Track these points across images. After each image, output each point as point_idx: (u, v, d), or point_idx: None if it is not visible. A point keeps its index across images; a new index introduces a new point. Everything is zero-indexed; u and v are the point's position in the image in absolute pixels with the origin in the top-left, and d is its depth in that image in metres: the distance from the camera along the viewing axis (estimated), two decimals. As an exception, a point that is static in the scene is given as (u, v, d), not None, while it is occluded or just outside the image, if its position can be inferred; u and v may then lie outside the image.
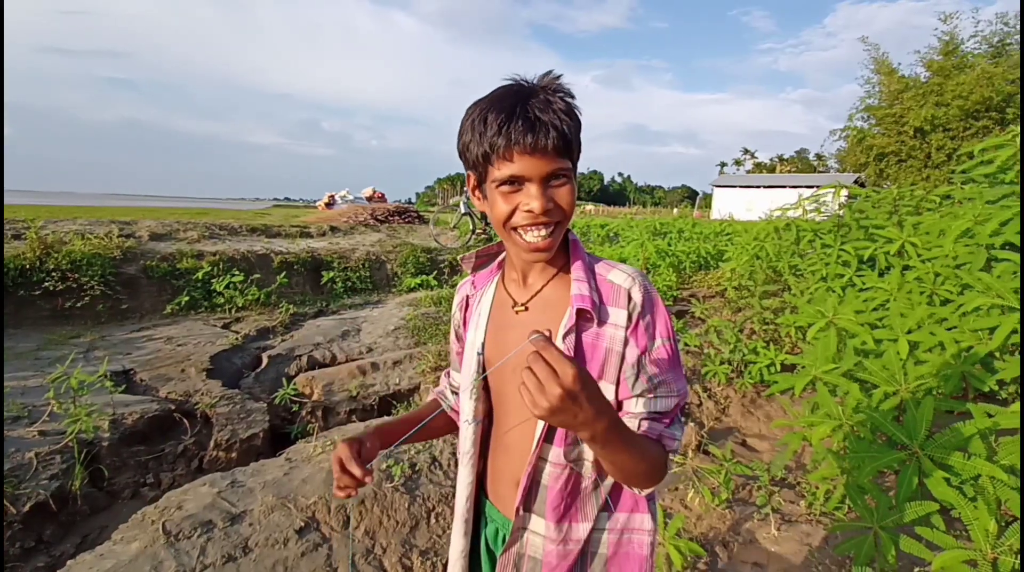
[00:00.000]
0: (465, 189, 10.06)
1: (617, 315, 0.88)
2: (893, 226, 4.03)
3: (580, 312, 0.88)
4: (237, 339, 5.33)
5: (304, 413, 4.16)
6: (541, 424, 0.90)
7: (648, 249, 5.48)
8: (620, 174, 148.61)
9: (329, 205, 14.54)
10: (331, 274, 7.46)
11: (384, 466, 2.88)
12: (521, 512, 0.93)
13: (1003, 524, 1.52)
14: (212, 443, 3.54)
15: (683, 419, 0.92)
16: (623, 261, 5.96)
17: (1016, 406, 2.40)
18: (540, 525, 0.92)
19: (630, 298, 0.88)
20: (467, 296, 1.09)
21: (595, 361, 0.88)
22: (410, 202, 27.00)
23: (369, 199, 15.23)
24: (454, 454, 3.08)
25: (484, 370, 0.98)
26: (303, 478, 2.70)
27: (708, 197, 43.53)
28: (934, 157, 13.63)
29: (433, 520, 2.64)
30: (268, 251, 7.31)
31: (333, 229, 9.75)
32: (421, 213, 13.16)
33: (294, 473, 2.78)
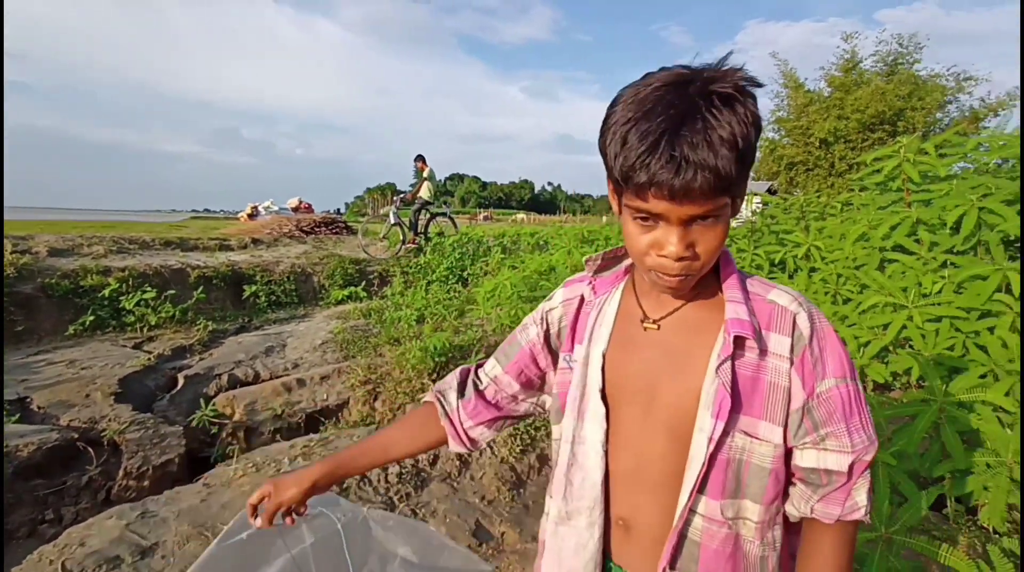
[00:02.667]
0: (395, 198, 9.97)
1: (780, 344, 0.74)
2: (800, 231, 4.38)
3: (738, 340, 0.74)
4: (150, 360, 5.02)
5: (224, 435, 3.98)
6: (696, 468, 0.73)
7: (575, 257, 5.65)
8: (551, 183, 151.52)
9: (252, 216, 13.93)
10: (253, 288, 7.17)
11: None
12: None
13: (896, 505, 1.70)
14: (121, 472, 3.32)
15: (869, 475, 0.76)
16: (552, 269, 6.15)
17: (910, 394, 2.68)
18: None
19: (795, 325, 0.74)
20: (583, 296, 0.91)
21: (757, 398, 0.74)
22: (339, 212, 26.32)
23: (295, 210, 14.72)
24: (384, 469, 3.06)
25: (604, 389, 0.82)
26: (222, 504, 2.60)
27: (635, 205, 44.92)
28: (837, 166, 14.82)
29: (361, 537, 2.61)
30: (184, 265, 6.93)
31: (255, 241, 9.36)
32: (350, 224, 12.88)
33: (212, 499, 2.67)
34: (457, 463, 3.17)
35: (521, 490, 3.05)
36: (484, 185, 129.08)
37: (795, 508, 0.78)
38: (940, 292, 2.69)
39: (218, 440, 3.95)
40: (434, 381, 4.37)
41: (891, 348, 2.70)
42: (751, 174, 0.75)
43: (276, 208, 14.68)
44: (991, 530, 1.91)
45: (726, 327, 0.74)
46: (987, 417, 1.89)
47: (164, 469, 3.42)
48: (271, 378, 4.84)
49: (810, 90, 16.04)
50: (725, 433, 0.73)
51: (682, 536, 0.76)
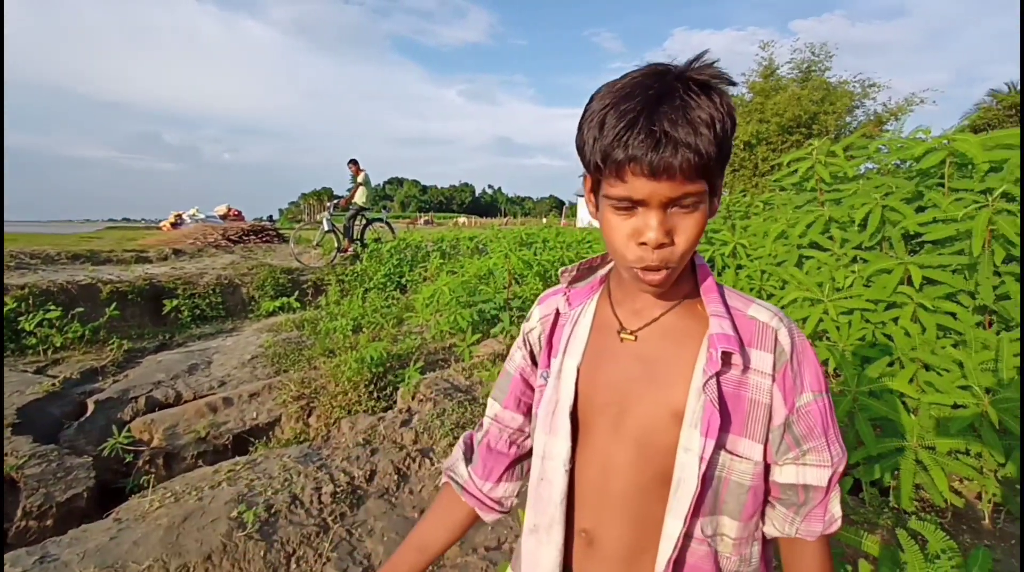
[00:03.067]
0: (328, 205, 9.66)
1: (762, 360, 0.73)
2: (727, 230, 4.56)
3: (724, 355, 0.71)
4: (54, 385, 4.60)
5: (141, 463, 3.71)
6: (688, 490, 0.71)
7: (512, 260, 5.65)
8: (491, 186, 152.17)
9: (176, 225, 13.16)
10: (175, 302, 6.73)
11: (235, 513, 2.65)
12: None
13: None
14: (19, 512, 3.01)
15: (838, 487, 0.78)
16: (490, 273, 6.13)
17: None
18: None
19: (776, 341, 0.73)
20: (558, 310, 0.88)
21: (738, 415, 0.72)
22: (272, 219, 25.30)
23: (224, 217, 14.02)
24: (317, 489, 2.93)
25: (577, 402, 0.80)
26: (134, 540, 2.40)
27: (574, 207, 46.03)
28: (760, 167, 15.63)
29: (293, 565, 2.48)
30: (95, 280, 6.42)
31: (177, 252, 8.83)
32: (282, 231, 12.39)
33: (123, 536, 2.46)
34: (395, 478, 3.07)
35: (461, 501, 2.99)
36: (424, 189, 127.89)
37: (777, 530, 0.78)
38: (851, 286, 2.85)
39: (134, 469, 3.67)
40: (371, 393, 4.25)
41: (811, 341, 2.84)
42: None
43: (203, 216, 13.95)
44: (902, 511, 2.02)
45: (711, 342, 0.72)
46: (894, 405, 2.00)
47: (70, 505, 3.13)
48: (194, 398, 4.55)
49: (734, 95, 16.86)
50: (712, 452, 0.71)
51: (679, 563, 0.73)
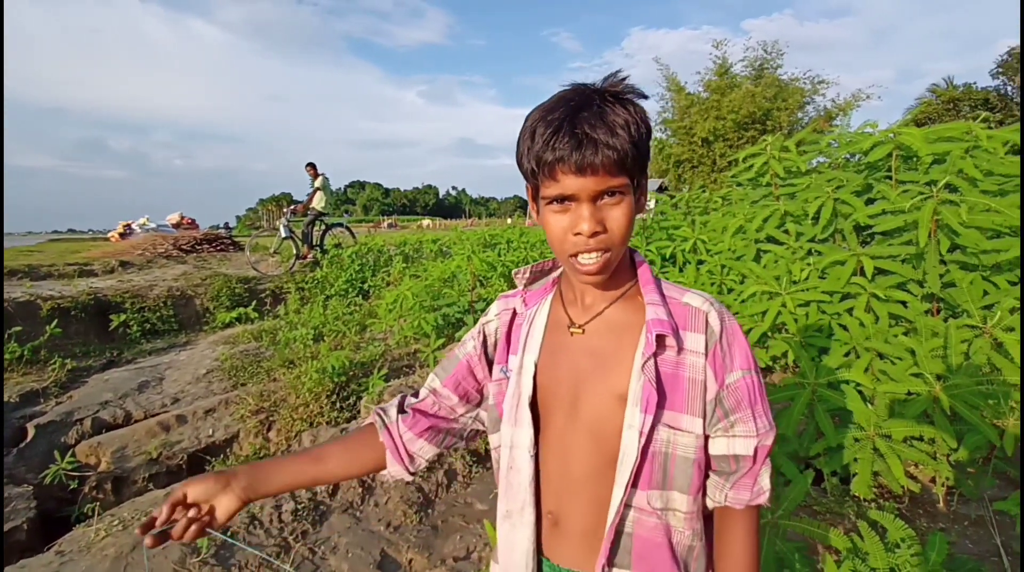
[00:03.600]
0: (285, 211, 9.40)
1: (695, 341, 0.81)
2: (688, 226, 4.60)
3: (659, 338, 0.79)
4: (-10, 410, 4.32)
5: (87, 489, 3.51)
6: (629, 463, 0.78)
7: (475, 262, 5.59)
8: (455, 187, 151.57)
9: (124, 235, 12.60)
10: (123, 317, 6.42)
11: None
12: (606, 570, 0.81)
13: (780, 486, 1.77)
14: (-50, 550, 2.80)
15: (770, 461, 0.85)
16: (453, 276, 6.05)
17: (787, 378, 2.83)
18: None
19: (707, 324, 0.81)
20: (515, 310, 0.96)
21: (679, 393, 0.80)
22: (228, 227, 24.54)
23: (176, 226, 13.50)
24: (278, 507, 2.81)
25: (536, 395, 0.87)
26: (77, 574, 2.25)
27: (538, 206, 46.08)
28: (719, 162, 15.99)
29: (251, 588, 2.37)
30: (33, 297, 6.06)
31: (124, 264, 8.44)
32: (237, 239, 12.01)
33: (66, 569, 2.31)
34: (360, 490, 2.98)
35: (429, 511, 2.93)
36: (387, 192, 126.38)
37: (711, 498, 0.85)
38: (808, 278, 2.90)
39: (79, 496, 3.47)
40: (334, 404, 4.12)
41: (770, 333, 2.88)
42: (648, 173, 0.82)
43: (154, 225, 13.39)
44: (862, 499, 2.06)
45: (648, 327, 0.80)
46: (851, 395, 2.03)
47: (9, 539, 2.93)
48: (145, 417, 4.34)
49: (691, 93, 17.20)
50: (652, 427, 0.78)
51: (618, 532, 0.80)
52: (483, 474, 3.23)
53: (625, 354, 0.82)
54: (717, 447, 0.82)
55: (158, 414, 4.33)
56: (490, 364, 0.98)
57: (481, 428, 1.03)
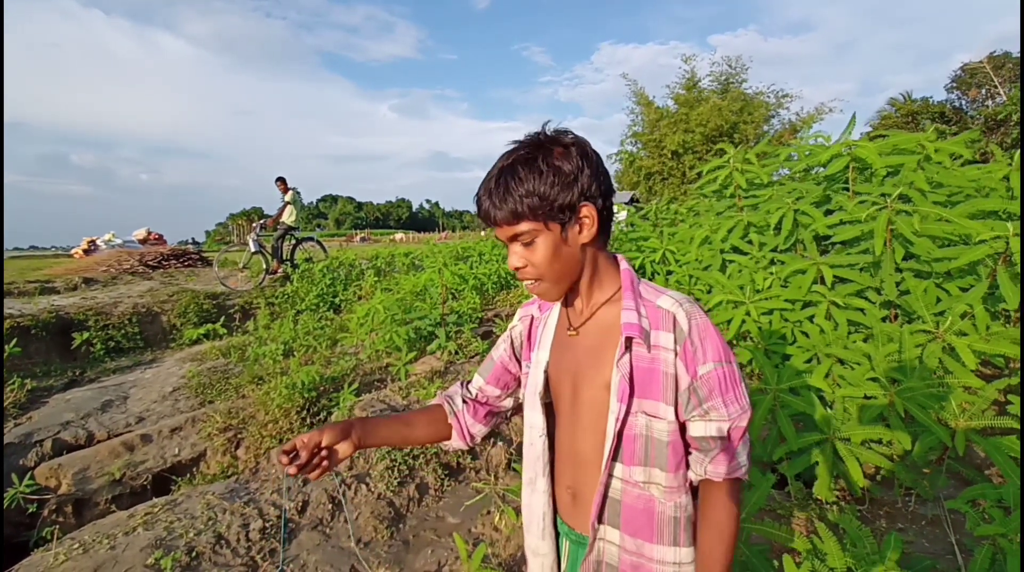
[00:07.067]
0: (255, 225, 9.26)
1: (665, 339, 0.91)
2: (656, 237, 4.68)
3: (630, 339, 0.92)
4: (-58, 434, 4.14)
5: (47, 512, 3.38)
6: (609, 442, 0.93)
7: (445, 275, 5.58)
8: (428, 201, 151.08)
9: (88, 251, 12.25)
10: (86, 335, 6.23)
11: (151, 560, 2.45)
12: (596, 524, 0.97)
13: (743, 491, 1.80)
14: None
15: (748, 438, 0.95)
16: (425, 289, 6.03)
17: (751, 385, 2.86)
18: (615, 535, 0.97)
19: (676, 323, 0.91)
20: (533, 315, 1.15)
21: (653, 385, 0.91)
22: (196, 242, 24.04)
23: (143, 242, 13.19)
24: (245, 526, 2.75)
25: (548, 387, 1.06)
26: (32, 602, 2.17)
27: (513, 218, 46.22)
28: (688, 175, 16.25)
29: (217, 611, 2.31)
30: (-10, 315, 5.85)
31: (88, 281, 8.20)
32: (205, 254, 11.78)
33: (20, 598, 2.22)
34: (330, 506, 2.94)
35: (401, 525, 2.89)
36: (360, 205, 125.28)
37: (693, 472, 0.95)
38: (770, 287, 2.98)
39: (39, 520, 3.34)
40: (304, 420, 4.06)
41: (735, 341, 2.94)
42: (615, 186, 0.96)
43: (119, 241, 13.06)
44: (823, 501, 2.11)
45: (621, 330, 0.92)
46: (812, 401, 2.08)
47: (-40, 568, 2.80)
48: (108, 437, 4.20)
49: (660, 107, 17.53)
50: (629, 413, 0.92)
51: (605, 495, 0.96)
52: (455, 487, 3.21)
53: (611, 351, 0.95)
54: (696, 429, 0.91)
55: (122, 434, 4.20)
56: (519, 360, 1.17)
57: (519, 404, 1.23)
